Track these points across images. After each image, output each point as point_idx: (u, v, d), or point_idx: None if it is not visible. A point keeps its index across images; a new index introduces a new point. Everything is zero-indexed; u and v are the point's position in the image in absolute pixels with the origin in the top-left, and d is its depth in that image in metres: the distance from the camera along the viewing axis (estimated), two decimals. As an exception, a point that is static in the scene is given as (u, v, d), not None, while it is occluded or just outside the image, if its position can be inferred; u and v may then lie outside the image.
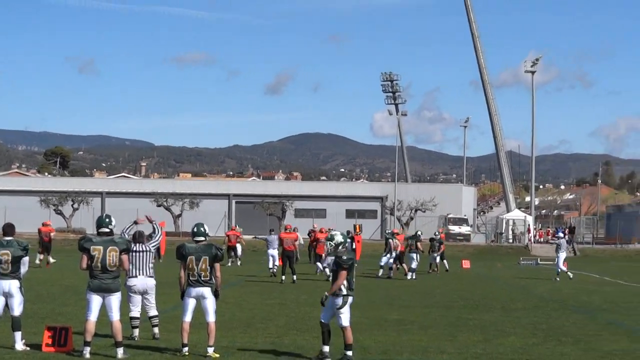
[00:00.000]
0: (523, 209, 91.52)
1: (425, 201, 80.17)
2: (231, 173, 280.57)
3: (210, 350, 13.55)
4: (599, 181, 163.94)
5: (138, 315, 15.60)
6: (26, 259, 14.18)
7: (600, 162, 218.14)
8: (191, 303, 13.69)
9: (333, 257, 13.88)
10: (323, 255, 34.01)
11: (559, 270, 37.55)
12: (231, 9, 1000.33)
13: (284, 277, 31.95)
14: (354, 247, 47.29)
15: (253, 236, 44.07)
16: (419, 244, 37.21)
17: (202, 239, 13.88)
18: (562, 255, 37.90)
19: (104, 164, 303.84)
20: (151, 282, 15.65)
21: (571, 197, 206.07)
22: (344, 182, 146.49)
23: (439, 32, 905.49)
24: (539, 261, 52.88)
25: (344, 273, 13.50)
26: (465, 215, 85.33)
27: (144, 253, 15.61)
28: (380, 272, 36.95)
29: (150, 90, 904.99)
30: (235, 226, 49.29)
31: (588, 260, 60.79)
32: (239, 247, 45.05)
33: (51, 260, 39.73)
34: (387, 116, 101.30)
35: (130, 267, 15.20)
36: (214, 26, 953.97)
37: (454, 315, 21.23)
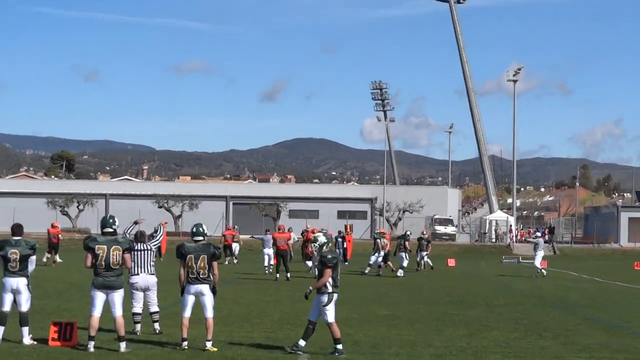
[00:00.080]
0: (505, 210, 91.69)
1: (412, 203, 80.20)
2: (228, 176, 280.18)
3: (209, 344, 13.55)
4: (577, 184, 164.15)
5: (140, 311, 15.61)
6: (33, 257, 14.16)
7: (578, 166, 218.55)
8: (190, 299, 13.70)
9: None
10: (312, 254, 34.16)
11: (540, 266, 37.63)
12: (229, 21, 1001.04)
13: (278, 275, 31.93)
14: (345, 245, 47.45)
15: (250, 235, 44.07)
16: (407, 243, 37.23)
17: (201, 238, 13.89)
18: (540, 253, 37.98)
19: (107, 168, 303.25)
20: (152, 280, 15.65)
21: (551, 199, 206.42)
22: (335, 185, 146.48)
23: (426, 43, 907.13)
24: (520, 260, 52.91)
25: (328, 271, 13.53)
26: (450, 216, 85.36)
27: (146, 252, 15.61)
28: (367, 269, 36.98)
29: (151, 97, 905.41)
30: (233, 226, 49.24)
31: (567, 259, 60.90)
32: (236, 246, 45.08)
33: (58, 259, 39.82)
34: (376, 122, 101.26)
35: (133, 265, 15.22)
36: (213, 37, 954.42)
37: (440, 310, 21.24)
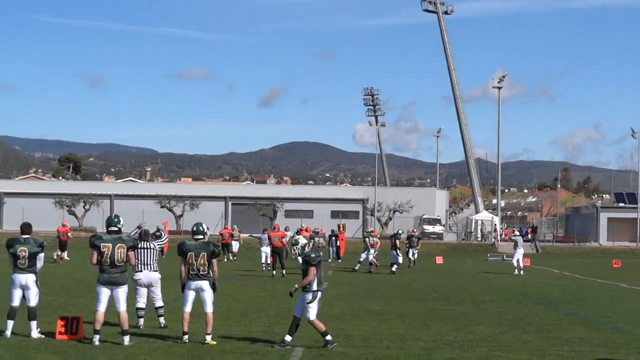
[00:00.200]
0: (490, 211, 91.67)
1: (402, 203, 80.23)
2: (227, 178, 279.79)
3: (209, 338, 13.56)
4: (559, 185, 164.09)
5: (143, 306, 15.62)
6: (42, 255, 14.16)
7: (559, 169, 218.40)
8: (191, 295, 13.72)
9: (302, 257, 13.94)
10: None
11: (520, 264, 37.67)
12: (228, 30, 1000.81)
13: (274, 272, 31.92)
14: (338, 244, 47.48)
15: (249, 234, 44.13)
16: (397, 242, 37.25)
17: (201, 237, 13.92)
18: (520, 251, 37.97)
19: (112, 169, 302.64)
20: (155, 276, 15.66)
21: (533, 199, 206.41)
22: (329, 186, 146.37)
23: (416, 52, 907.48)
24: (504, 257, 52.88)
25: (312, 269, 13.57)
26: (438, 216, 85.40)
27: (149, 250, 15.63)
28: (358, 266, 37.00)
29: (154, 103, 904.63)
30: (233, 227, 49.25)
31: (549, 257, 60.94)
32: (235, 244, 45.20)
33: (65, 257, 39.88)
34: (368, 127, 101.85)
35: (137, 262, 15.25)
36: (213, 45, 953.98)
37: (429, 306, 21.24)
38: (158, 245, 16.01)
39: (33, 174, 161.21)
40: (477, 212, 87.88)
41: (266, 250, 35.37)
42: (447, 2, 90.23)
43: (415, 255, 40.87)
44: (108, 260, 13.32)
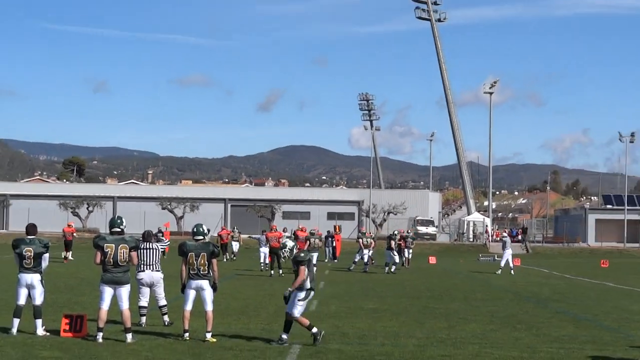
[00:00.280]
0: (482, 212, 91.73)
1: (396, 205, 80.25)
2: (227, 180, 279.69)
3: (209, 335, 13.56)
4: (548, 188, 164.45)
5: (146, 305, 15.63)
6: (47, 255, 14.15)
7: (548, 172, 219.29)
8: (191, 294, 13.73)
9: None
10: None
11: (510, 265, 37.70)
12: (227, 37, 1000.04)
13: (272, 272, 31.92)
14: (334, 244, 47.48)
15: (248, 235, 44.24)
16: (392, 242, 37.23)
17: (201, 237, 13.94)
18: (508, 251, 38.01)
19: (115, 172, 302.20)
20: (157, 276, 15.66)
21: (523, 201, 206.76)
22: (325, 189, 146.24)
23: (410, 58, 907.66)
24: (496, 257, 52.86)
25: (303, 268, 13.57)
26: (431, 217, 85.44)
27: (152, 250, 15.63)
28: (352, 266, 37.06)
29: (155, 107, 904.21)
30: (233, 228, 49.25)
31: (538, 257, 60.99)
32: (235, 244, 45.36)
33: (70, 257, 39.91)
34: (363, 131, 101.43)
35: (140, 262, 15.29)
36: (212, 52, 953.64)
37: (422, 304, 21.24)
38: (161, 246, 16.02)
39: (38, 177, 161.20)
40: (469, 213, 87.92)
41: (265, 250, 35.39)
42: (440, 9, 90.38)
43: (410, 255, 40.88)
44: (111, 260, 13.32)
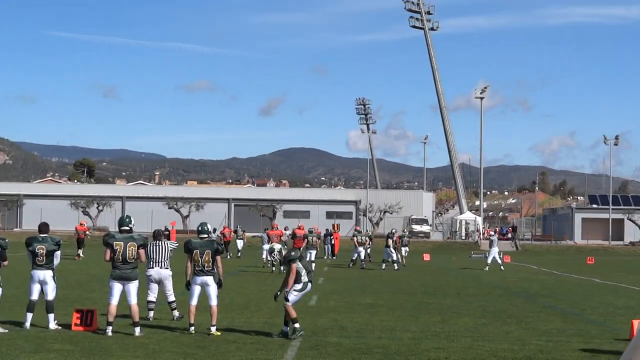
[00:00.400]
0: (473, 211, 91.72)
1: (392, 204, 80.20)
2: (230, 181, 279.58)
3: (213, 329, 13.55)
4: (537, 188, 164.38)
5: (154, 300, 15.66)
6: (58, 252, 14.16)
7: (537, 173, 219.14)
8: (197, 289, 13.75)
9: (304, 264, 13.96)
10: (301, 248, 34.39)
11: (499, 261, 37.75)
12: (231, 45, 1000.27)
13: (274, 268, 31.89)
14: (332, 242, 47.45)
15: (253, 235, 44.27)
16: (390, 240, 37.18)
17: (206, 235, 14.02)
18: (495, 249, 38.03)
19: (123, 173, 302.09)
20: (165, 273, 15.69)
21: (513, 201, 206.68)
22: (324, 189, 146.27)
23: (404, 65, 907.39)
24: (487, 255, 52.87)
25: (294, 266, 13.64)
26: (425, 216, 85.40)
27: (161, 248, 15.66)
28: (351, 264, 37.07)
29: (162, 112, 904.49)
30: (237, 227, 49.25)
31: (527, 254, 60.97)
32: (240, 242, 45.40)
33: (81, 254, 39.97)
34: (360, 134, 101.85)
35: (149, 259, 15.41)
36: (217, 59, 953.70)
37: (417, 299, 21.22)
38: (171, 245, 16.02)
39: (50, 178, 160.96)
40: (461, 212, 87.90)
41: (267, 247, 35.39)
42: (433, 19, 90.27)
43: (406, 253, 40.86)
44: (120, 257, 13.33)
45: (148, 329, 13.82)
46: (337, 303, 19.60)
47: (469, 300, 21.25)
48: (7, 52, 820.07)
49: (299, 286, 13.60)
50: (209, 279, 13.72)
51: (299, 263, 13.73)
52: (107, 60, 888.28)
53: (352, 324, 15.61)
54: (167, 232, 42.87)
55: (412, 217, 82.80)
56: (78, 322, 13.79)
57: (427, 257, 48.11)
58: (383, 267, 35.79)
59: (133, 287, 13.40)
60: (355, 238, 37.74)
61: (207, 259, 13.66)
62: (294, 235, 37.77)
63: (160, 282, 15.67)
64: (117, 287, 13.39)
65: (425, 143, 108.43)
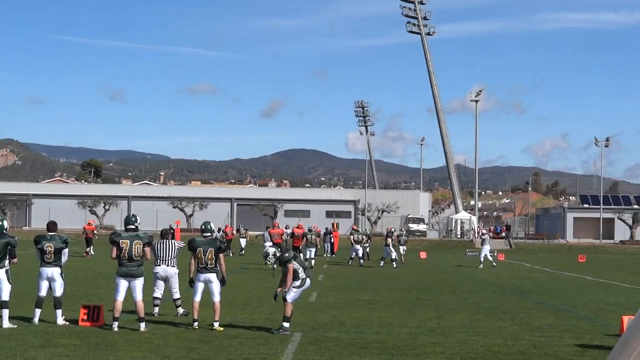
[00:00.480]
0: (468, 211, 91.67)
1: (390, 204, 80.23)
2: (233, 181, 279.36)
3: (216, 324, 13.56)
4: (530, 188, 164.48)
5: (160, 296, 15.68)
6: (66, 250, 14.16)
7: (530, 173, 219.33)
8: (200, 286, 13.75)
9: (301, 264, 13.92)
10: (300, 246, 34.58)
11: (490, 258, 37.96)
12: (234, 49, 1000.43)
13: (275, 266, 31.83)
14: (332, 240, 47.45)
15: (256, 235, 44.31)
16: (388, 239, 37.17)
17: (209, 234, 14.01)
18: (487, 247, 38.39)
19: (129, 174, 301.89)
20: (172, 271, 15.73)
21: (507, 201, 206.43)
22: (324, 189, 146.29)
23: (402, 68, 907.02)
24: (480, 253, 52.88)
25: (290, 266, 13.61)
26: (422, 216, 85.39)
27: (168, 247, 15.70)
28: (350, 261, 37.09)
29: (167, 114, 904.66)
30: (239, 227, 49.25)
31: (521, 252, 60.99)
32: (243, 241, 45.58)
33: (91, 252, 40.48)
34: (359, 135, 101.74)
35: (156, 257, 15.53)
36: (219, 63, 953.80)
37: (414, 296, 21.23)
38: (177, 244, 16.04)
39: (58, 178, 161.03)
40: (456, 212, 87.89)
41: (269, 245, 35.41)
42: (430, 24, 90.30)
43: (404, 252, 40.87)
44: (126, 255, 13.33)
45: (153, 325, 13.83)
46: (336, 299, 19.60)
47: (464, 297, 21.25)
48: (17, 56, 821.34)
49: (297, 283, 13.61)
50: (212, 276, 13.72)
51: (294, 262, 13.73)
52: (113, 63, 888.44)
53: (350, 319, 15.61)
54: (172, 231, 42.93)
55: (409, 216, 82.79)
56: (85, 317, 13.80)
57: (423, 255, 48.10)
58: (381, 265, 35.81)
59: (138, 283, 13.41)
60: (351, 236, 37.88)
61: (210, 256, 13.67)
62: (292, 234, 37.90)
63: (166, 280, 15.70)
64: (123, 284, 13.39)
65: (422, 144, 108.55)
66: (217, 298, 13.71)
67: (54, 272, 13.90)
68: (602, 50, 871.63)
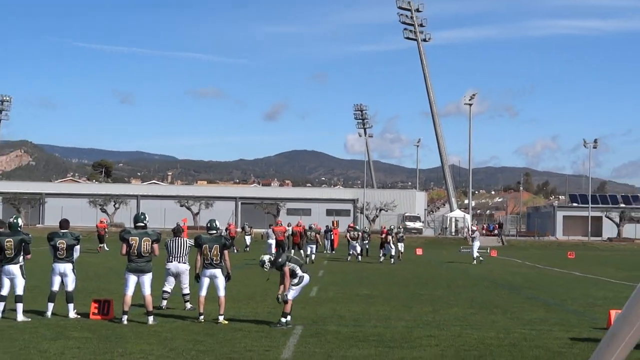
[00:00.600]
0: (463, 209, 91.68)
1: (387, 203, 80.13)
2: (237, 181, 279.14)
3: (221, 318, 13.55)
4: (521, 188, 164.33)
5: (169, 291, 15.78)
6: (78, 247, 14.17)
7: (522, 173, 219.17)
8: (206, 281, 13.77)
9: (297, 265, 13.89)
10: (299, 243, 34.82)
11: (476, 254, 38.04)
12: (238, 54, 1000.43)
13: (272, 271, 31.83)
14: (332, 237, 47.45)
15: (261, 235, 44.34)
16: (389, 237, 37.14)
17: (215, 231, 14.07)
18: (477, 244, 38.56)
19: (138, 173, 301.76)
20: (183, 267, 15.81)
21: (499, 200, 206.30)
22: (324, 188, 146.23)
23: (399, 73, 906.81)
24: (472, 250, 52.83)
25: (286, 269, 13.60)
26: (418, 214, 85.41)
27: (180, 244, 15.77)
28: (349, 257, 37.12)
29: (174, 116, 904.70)
30: (244, 225, 49.24)
31: (512, 249, 60.95)
32: (248, 238, 45.64)
33: (105, 248, 40.85)
34: (358, 137, 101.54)
35: (169, 254, 15.71)
36: (225, 67, 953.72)
37: (410, 291, 21.21)
38: (188, 242, 16.07)
39: (70, 178, 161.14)
40: (451, 210, 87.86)
41: (272, 242, 35.46)
42: (425, 30, 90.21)
43: (402, 249, 40.89)
44: (135, 251, 13.33)
45: (161, 318, 13.83)
46: (336, 294, 19.58)
47: (459, 292, 21.24)
48: (31, 60, 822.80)
49: (295, 280, 13.57)
50: (217, 272, 13.74)
51: (289, 264, 13.71)
52: (124, 68, 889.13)
53: (350, 313, 15.60)
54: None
55: (406, 214, 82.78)
56: (96, 311, 13.80)
57: (419, 251, 48.07)
58: (381, 260, 35.94)
59: (147, 279, 13.40)
60: (348, 234, 38.00)
61: (215, 253, 13.69)
62: (292, 232, 38.05)
63: (177, 276, 15.80)
64: (132, 279, 13.39)
65: (418, 146, 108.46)
66: (222, 293, 13.71)
67: (66, 267, 13.90)
68: (590, 56, 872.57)
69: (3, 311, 13.46)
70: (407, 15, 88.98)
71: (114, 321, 13.37)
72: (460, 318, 15.19)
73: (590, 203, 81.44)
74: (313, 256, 34.56)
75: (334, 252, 45.59)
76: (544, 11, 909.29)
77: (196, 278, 13.96)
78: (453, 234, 79.46)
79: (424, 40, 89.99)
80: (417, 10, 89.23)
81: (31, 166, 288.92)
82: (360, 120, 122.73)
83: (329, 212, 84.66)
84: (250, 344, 11.34)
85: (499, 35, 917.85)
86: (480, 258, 37.46)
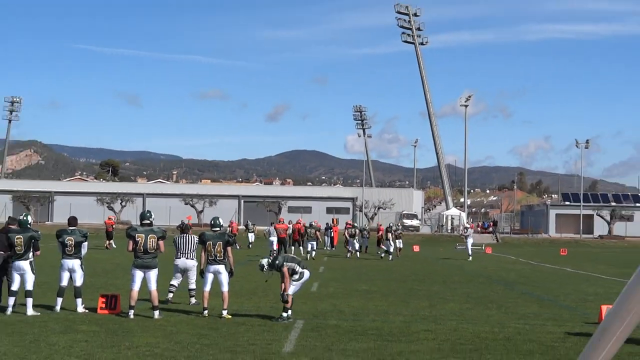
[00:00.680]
0: (458, 208, 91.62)
1: (385, 201, 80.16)
2: (240, 180, 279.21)
3: (225, 312, 13.56)
4: (515, 187, 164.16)
5: (176, 285, 15.89)
6: (86, 243, 14.18)
7: (516, 173, 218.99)
8: (210, 277, 13.78)
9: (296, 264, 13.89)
10: (299, 240, 34.89)
11: (469, 251, 38.15)
12: (241, 57, 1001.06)
13: (272, 273, 31.77)
14: (332, 235, 47.43)
15: (264, 234, 44.31)
16: (388, 234, 37.12)
17: (218, 228, 14.08)
18: (470, 240, 38.73)
19: (144, 172, 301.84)
20: (190, 263, 15.86)
21: (494, 198, 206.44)
22: (324, 187, 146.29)
23: (397, 75, 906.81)
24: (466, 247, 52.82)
25: (284, 270, 13.57)
26: (415, 212, 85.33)
27: (188, 241, 15.80)
28: (348, 254, 37.15)
29: (179, 117, 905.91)
30: (247, 222, 49.21)
31: (507, 246, 60.94)
32: (251, 235, 45.67)
33: (113, 245, 40.82)
34: (357, 137, 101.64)
35: (177, 250, 15.77)
36: (228, 70, 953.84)
37: (408, 286, 21.21)
38: (195, 239, 16.11)
39: (78, 176, 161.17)
40: (447, 208, 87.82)
41: (274, 239, 35.46)
42: (423, 34, 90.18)
43: (400, 245, 40.90)
44: (141, 248, 13.34)
45: (166, 312, 13.83)
46: (336, 289, 19.58)
47: (454, 287, 21.23)
48: (41, 63, 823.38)
49: (295, 276, 13.58)
50: (221, 267, 13.75)
51: (287, 264, 13.70)
52: (131, 70, 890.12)
53: (349, 308, 15.60)
54: (191, 226, 43.04)
55: (404, 212, 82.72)
56: (103, 306, 13.81)
57: (416, 248, 48.09)
58: (381, 255, 36.11)
59: (153, 274, 13.42)
60: (346, 231, 38.12)
61: (219, 249, 13.70)
62: (293, 230, 38.08)
63: (185, 271, 15.86)
64: (138, 275, 13.41)
65: (415, 146, 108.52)
66: (225, 288, 13.72)
67: (75, 263, 13.91)
68: (583, 59, 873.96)
69: (14, 306, 13.47)
70: (405, 20, 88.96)
71: (121, 315, 13.38)
72: (456, 313, 15.19)
73: (582, 201, 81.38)
74: (314, 253, 34.57)
75: (334, 249, 45.59)
76: (538, 16, 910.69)
77: (201, 274, 14.01)
78: (449, 231, 79.40)
79: (422, 43, 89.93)
80: (415, 15, 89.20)
81: (40, 165, 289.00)
82: (360, 121, 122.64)
83: (329, 210, 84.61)
84: (253, 338, 11.35)
85: (494, 39, 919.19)
86: (470, 257, 37.52)
